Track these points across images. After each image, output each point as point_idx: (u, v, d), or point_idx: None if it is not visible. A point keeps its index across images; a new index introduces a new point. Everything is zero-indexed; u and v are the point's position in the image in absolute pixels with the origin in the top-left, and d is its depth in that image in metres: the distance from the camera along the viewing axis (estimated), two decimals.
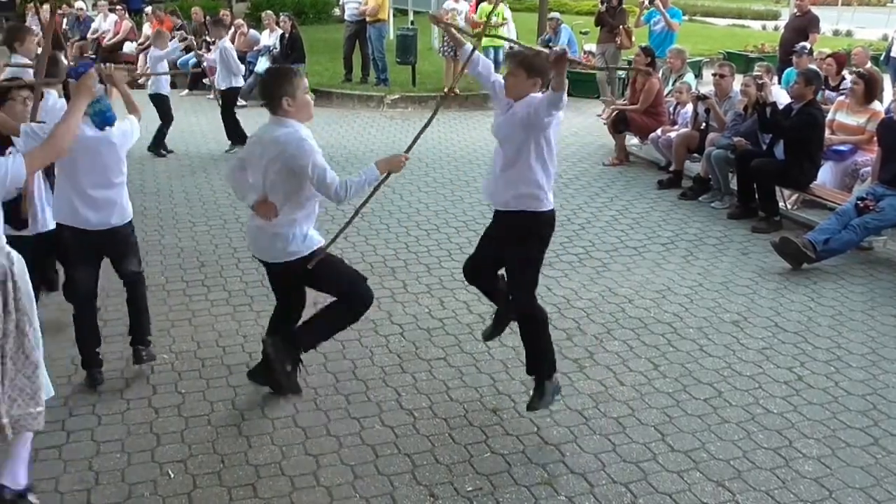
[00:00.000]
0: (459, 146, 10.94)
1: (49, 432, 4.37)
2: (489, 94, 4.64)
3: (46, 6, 19.45)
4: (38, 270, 5.12)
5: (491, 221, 4.60)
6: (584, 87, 13.62)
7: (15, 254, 3.54)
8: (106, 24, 17.87)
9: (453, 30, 4.87)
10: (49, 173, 5.21)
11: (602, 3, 13.08)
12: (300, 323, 4.65)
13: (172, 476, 4.05)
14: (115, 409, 4.62)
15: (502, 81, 4.40)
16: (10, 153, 3.78)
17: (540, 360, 4.42)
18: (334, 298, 4.52)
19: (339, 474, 4.06)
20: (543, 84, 4.22)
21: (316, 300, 4.78)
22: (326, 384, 4.88)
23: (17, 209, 4.88)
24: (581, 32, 15.26)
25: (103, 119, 4.45)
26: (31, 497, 3.75)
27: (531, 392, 4.50)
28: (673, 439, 4.35)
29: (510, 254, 4.37)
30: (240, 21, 15.86)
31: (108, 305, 5.71)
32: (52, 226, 5.05)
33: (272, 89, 4.15)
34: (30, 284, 3.61)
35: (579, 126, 11.96)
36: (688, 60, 10.97)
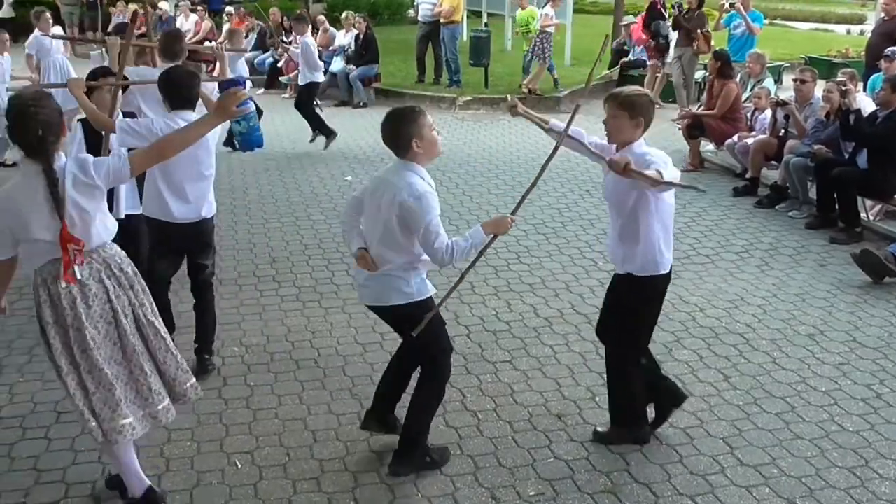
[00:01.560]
0: (530, 149, 10.89)
1: None
2: (588, 157, 4.39)
3: (132, 6, 20.06)
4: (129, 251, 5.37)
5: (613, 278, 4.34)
6: (660, 91, 13.42)
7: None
8: (187, 23, 18.32)
9: (532, 117, 4.56)
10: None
11: (676, 6, 12.87)
12: (374, 405, 4.32)
13: (240, 467, 4.13)
14: None
15: (598, 140, 4.22)
16: (111, 151, 3.82)
17: (615, 408, 4.37)
18: None
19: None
20: (646, 124, 3.98)
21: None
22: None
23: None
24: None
25: (246, 141, 4.19)
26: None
27: (597, 400, 4.43)
28: (742, 453, 4.25)
29: (623, 313, 4.21)
30: (321, 17, 16.09)
31: (182, 298, 5.84)
32: (122, 216, 5.24)
33: (399, 131, 3.82)
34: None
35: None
36: (768, 65, 10.72)
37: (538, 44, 13.34)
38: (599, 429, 4.40)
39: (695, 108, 10.61)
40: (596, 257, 6.90)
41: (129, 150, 5.14)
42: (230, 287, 6.32)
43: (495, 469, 4.12)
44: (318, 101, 11.69)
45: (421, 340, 3.95)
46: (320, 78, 11.07)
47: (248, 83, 9.28)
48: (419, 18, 14.88)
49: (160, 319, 3.72)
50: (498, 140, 11.30)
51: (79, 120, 5.37)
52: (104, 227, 3.53)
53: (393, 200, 3.75)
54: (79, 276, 3.38)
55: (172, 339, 3.79)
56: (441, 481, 4.01)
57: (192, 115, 4.61)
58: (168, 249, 4.91)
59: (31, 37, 11.06)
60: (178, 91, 4.65)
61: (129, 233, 5.41)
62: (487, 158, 10.22)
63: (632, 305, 4.17)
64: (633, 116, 3.93)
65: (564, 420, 4.55)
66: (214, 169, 4.88)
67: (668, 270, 4.11)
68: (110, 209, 5.14)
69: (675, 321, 5.76)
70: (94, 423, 3.45)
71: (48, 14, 11.33)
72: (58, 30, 11.90)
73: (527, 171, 9.75)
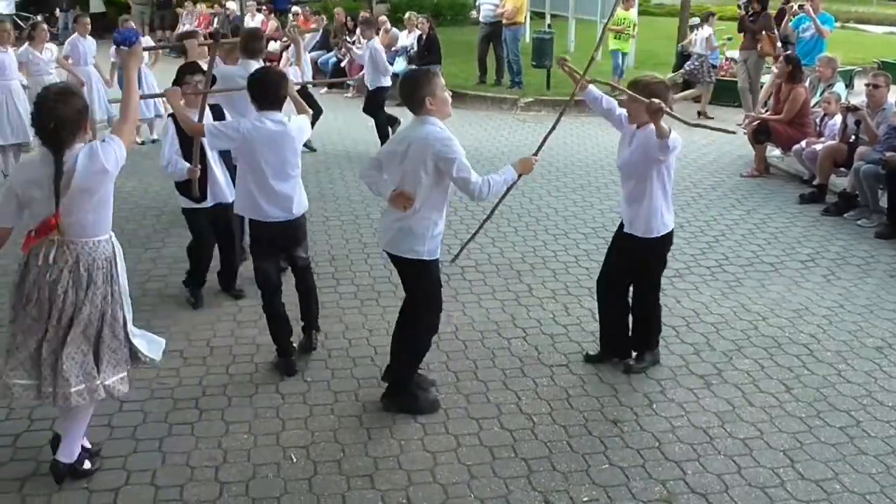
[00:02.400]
0: (591, 151, 10.81)
1: (183, 409, 4.62)
2: (609, 121, 5.10)
3: (200, 5, 20.43)
4: (222, 237, 5.72)
5: (616, 234, 5.05)
6: (724, 94, 13.21)
7: (117, 244, 3.87)
8: (253, 23, 18.61)
9: (574, 74, 5.17)
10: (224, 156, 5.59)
11: (742, 7, 12.61)
12: (389, 362, 4.74)
13: (295, 461, 4.18)
14: (245, 393, 4.81)
15: (626, 114, 4.79)
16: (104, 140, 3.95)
17: (645, 339, 5.11)
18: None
19: (455, 473, 4.08)
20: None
21: None
22: (447, 382, 4.92)
23: (188, 187, 5.50)
24: (725, 38, 14.77)
25: None
26: (86, 464, 4.03)
27: (655, 407, 4.40)
28: (803, 467, 4.15)
29: (636, 271, 4.96)
30: (384, 18, 16.20)
31: (249, 292, 5.95)
32: (230, 199, 5.51)
33: (414, 91, 4.25)
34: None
35: (717, 135, 11.56)
36: (838, 69, 10.45)
37: (697, 66, 12.81)
38: (630, 362, 5.05)
39: (762, 112, 10.39)
40: None
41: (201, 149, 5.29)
42: (290, 283, 6.39)
43: (549, 473, 4.09)
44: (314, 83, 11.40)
45: (418, 295, 4.51)
46: (387, 83, 11.14)
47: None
48: (481, 19, 14.88)
49: (117, 327, 3.83)
50: (559, 142, 11.22)
51: (169, 115, 5.55)
52: (99, 221, 3.72)
53: (422, 149, 4.20)
54: (40, 256, 3.62)
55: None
56: (495, 483, 4.00)
57: (280, 115, 4.71)
58: (265, 247, 5.00)
59: (71, 39, 11.37)
60: (266, 92, 4.73)
61: (224, 219, 5.61)
62: (548, 160, 10.15)
63: (641, 263, 4.89)
64: (691, 124, 4.67)
65: (620, 426, 4.50)
66: (300, 169, 4.95)
67: (668, 232, 4.82)
68: (203, 196, 5.46)
69: (737, 329, 5.65)
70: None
71: (87, 19, 11.68)
72: (147, 41, 12.25)
73: (588, 173, 9.68)
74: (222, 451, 4.25)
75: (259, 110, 4.76)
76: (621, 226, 4.95)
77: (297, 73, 10.50)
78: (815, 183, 8.78)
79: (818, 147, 8.78)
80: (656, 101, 4.29)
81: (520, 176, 4.50)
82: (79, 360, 3.73)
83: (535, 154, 4.68)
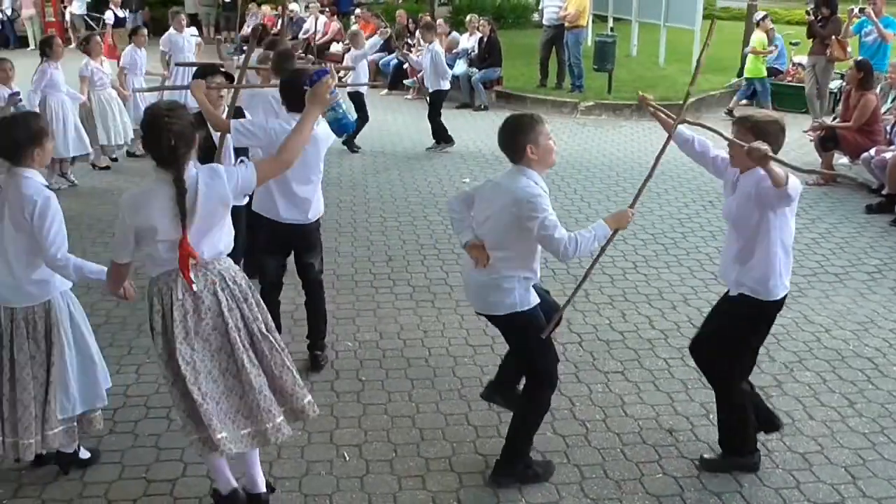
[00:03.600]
0: (652, 156, 10.63)
1: None
2: (706, 168, 4.31)
3: (265, 7, 20.76)
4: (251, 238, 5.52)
5: (722, 298, 4.26)
6: (791, 100, 12.92)
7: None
8: (316, 24, 18.84)
9: (660, 113, 4.41)
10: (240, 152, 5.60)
11: (809, 13, 12.31)
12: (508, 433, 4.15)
13: (347, 459, 4.21)
14: None
15: (724, 156, 4.07)
16: (241, 161, 3.91)
17: (725, 435, 4.20)
18: None
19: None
20: (774, 153, 3.63)
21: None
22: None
23: None
24: (791, 43, 14.45)
25: (340, 127, 4.26)
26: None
27: (711, 417, 4.32)
28: (866, 484, 4.03)
29: (731, 337, 4.05)
30: (440, 21, 16.26)
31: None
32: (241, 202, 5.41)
33: (513, 137, 3.84)
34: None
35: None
36: None
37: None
38: (707, 455, 4.23)
39: (829, 119, 10.14)
40: (716, 270, 6.67)
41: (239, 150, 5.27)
42: (346, 283, 6.47)
43: (601, 480, 4.05)
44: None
45: (527, 353, 4.01)
46: (447, 86, 11.19)
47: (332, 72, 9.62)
48: (544, 22, 14.81)
49: (276, 334, 3.66)
50: (619, 147, 11.12)
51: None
52: (227, 239, 3.54)
53: (508, 202, 3.77)
54: (195, 289, 3.38)
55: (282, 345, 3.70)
56: (546, 489, 3.98)
57: None
58: (275, 247, 5.04)
59: (165, 35, 11.64)
60: (296, 94, 4.72)
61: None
62: (608, 165, 10.07)
63: (741, 329, 4.00)
64: (787, 166, 3.59)
65: (675, 435, 4.43)
66: (321, 175, 4.97)
67: (782, 297, 3.93)
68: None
69: (799, 341, 5.52)
70: (195, 436, 3.47)
71: (182, 15, 11.92)
72: (192, 30, 12.52)
73: None
74: (276, 447, 4.30)
75: (289, 111, 4.78)
76: (726, 292, 4.15)
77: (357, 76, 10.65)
78: (884, 192, 8.52)
79: (888, 155, 8.52)
80: (760, 145, 3.47)
81: (615, 232, 3.96)
82: (288, 377, 3.58)
83: (632, 206, 4.09)
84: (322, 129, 4.72)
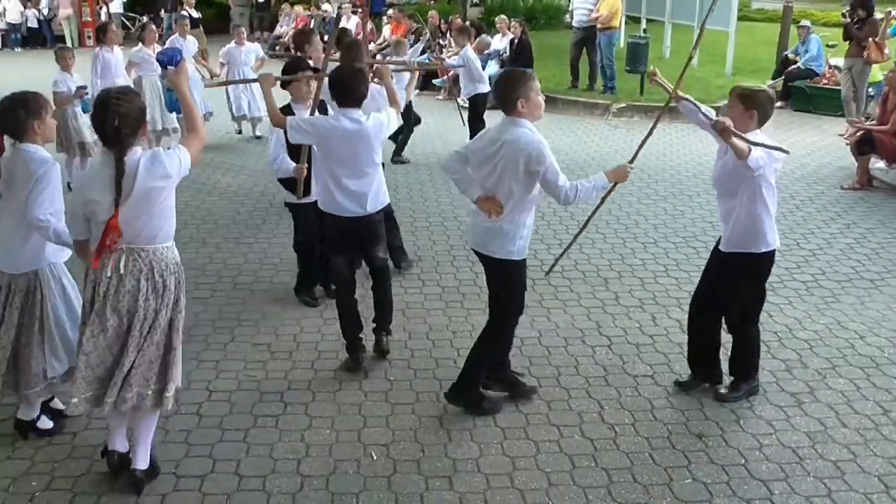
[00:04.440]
0: (684, 159, 10.59)
1: (268, 402, 4.72)
2: (700, 126, 4.71)
3: (298, 7, 20.88)
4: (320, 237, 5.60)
5: (711, 253, 4.85)
6: (826, 103, 12.77)
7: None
8: (349, 25, 18.92)
9: (666, 86, 4.93)
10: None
11: (845, 15, 12.14)
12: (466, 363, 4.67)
13: (375, 458, 4.22)
14: (329, 388, 4.89)
15: (713, 118, 4.47)
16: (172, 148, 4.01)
17: (744, 367, 4.81)
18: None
19: (534, 479, 4.05)
20: (761, 118, 4.36)
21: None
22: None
23: (294, 185, 5.59)
24: (828, 45, 14.27)
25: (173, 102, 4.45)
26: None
27: (742, 423, 4.29)
28: None
29: (732, 291, 4.67)
30: (468, 23, 16.24)
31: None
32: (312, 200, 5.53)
33: (507, 91, 4.24)
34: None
35: (818, 145, 11.21)
36: None
37: None
38: (722, 390, 4.79)
39: (866, 122, 9.99)
40: None
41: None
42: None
43: (630, 485, 4.03)
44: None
45: (501, 294, 4.48)
46: (485, 89, 11.16)
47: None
48: (574, 24, 14.77)
49: (170, 328, 3.78)
50: (650, 148, 10.96)
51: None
52: (163, 228, 3.67)
53: (513, 152, 4.17)
54: (109, 266, 3.58)
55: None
56: (573, 492, 3.96)
57: (357, 113, 4.76)
58: (342, 244, 5.08)
59: (226, 48, 11.76)
60: (345, 89, 4.80)
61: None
62: (639, 167, 9.88)
63: (743, 282, 4.60)
64: (747, 108, 4.35)
65: (705, 441, 4.39)
66: (379, 166, 5.00)
67: (773, 249, 4.52)
68: (307, 192, 5.53)
69: (832, 348, 5.45)
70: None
71: (243, 29, 12.08)
72: (257, 46, 12.60)
73: (679, 181, 9.48)
74: (305, 444, 4.33)
75: (339, 107, 4.84)
76: (717, 244, 4.73)
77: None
78: None
79: None
80: (722, 119, 4.17)
81: (614, 185, 4.44)
82: (151, 366, 3.74)
83: (631, 162, 4.56)
84: (372, 122, 4.80)
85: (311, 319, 5.81)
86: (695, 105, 4.57)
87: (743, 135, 4.14)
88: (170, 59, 4.39)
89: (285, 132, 4.97)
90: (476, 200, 4.37)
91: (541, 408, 4.69)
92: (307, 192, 5.60)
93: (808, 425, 4.53)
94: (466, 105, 10.97)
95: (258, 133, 11.57)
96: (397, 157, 10.56)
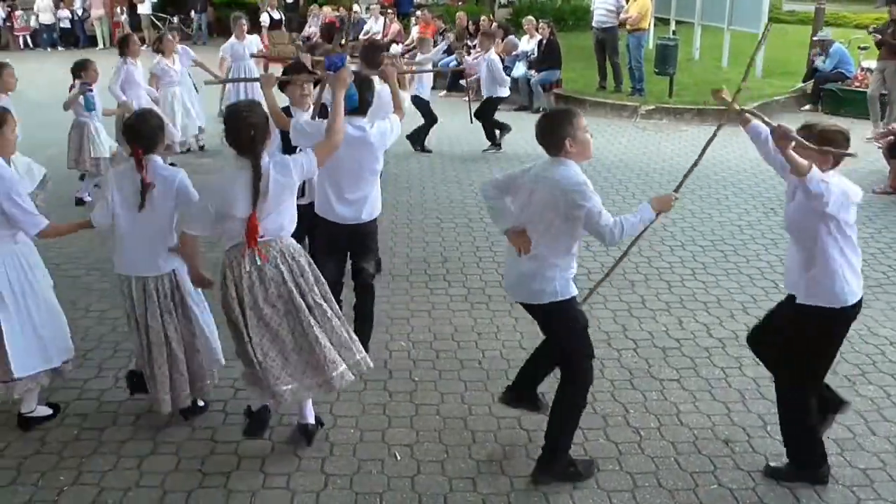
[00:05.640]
0: (713, 161, 10.49)
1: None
2: (765, 158, 4.26)
3: (326, 8, 20.96)
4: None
5: (784, 304, 4.18)
6: (858, 106, 12.60)
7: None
8: (377, 25, 18.98)
9: (735, 105, 4.34)
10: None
11: (871, 31, 12.01)
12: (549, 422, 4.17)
13: (399, 459, 4.23)
14: (353, 388, 4.87)
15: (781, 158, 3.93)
16: (300, 150, 4.24)
17: (790, 444, 4.11)
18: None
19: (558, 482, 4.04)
20: (836, 162, 3.75)
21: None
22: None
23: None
24: (860, 48, 14.08)
25: (349, 101, 4.60)
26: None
27: (769, 429, 4.23)
28: None
29: (803, 345, 3.96)
30: (495, 25, 16.24)
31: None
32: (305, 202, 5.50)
33: (554, 130, 3.91)
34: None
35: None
36: None
37: None
38: (773, 464, 4.15)
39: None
40: (777, 279, 6.55)
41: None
42: (401, 283, 6.49)
43: (654, 490, 4.00)
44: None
45: (566, 344, 4.09)
46: (505, 93, 11.19)
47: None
48: (593, 25, 14.70)
49: (332, 304, 4.14)
50: (679, 151, 10.98)
51: None
52: (290, 220, 4.07)
53: (555, 192, 3.84)
54: (258, 262, 3.91)
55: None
56: (597, 496, 3.94)
57: (362, 121, 4.77)
58: (331, 248, 5.07)
59: (228, 43, 11.85)
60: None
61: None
62: (667, 170, 9.94)
63: (813, 338, 3.93)
64: (822, 152, 3.66)
65: (732, 446, 4.35)
66: (379, 174, 4.99)
67: (855, 302, 3.89)
68: (302, 194, 5.48)
69: (862, 353, 5.38)
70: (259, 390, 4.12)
71: (243, 21, 12.11)
72: (255, 38, 12.68)
73: (708, 184, 9.41)
74: (329, 443, 4.35)
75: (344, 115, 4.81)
76: (790, 298, 4.04)
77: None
78: None
79: None
80: (783, 126, 3.56)
81: (658, 215, 4.06)
82: (336, 338, 4.08)
83: (676, 191, 4.21)
84: (375, 130, 4.79)
85: None
86: (766, 123, 4.01)
87: (805, 143, 3.59)
88: (332, 65, 4.51)
89: (284, 134, 4.98)
90: (505, 231, 4.10)
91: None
92: (301, 190, 5.58)
93: (837, 432, 4.47)
94: (475, 100, 11.25)
95: None
96: (420, 147, 10.76)
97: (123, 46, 9.47)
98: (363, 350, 4.22)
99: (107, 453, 4.24)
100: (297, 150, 5.26)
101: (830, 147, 3.68)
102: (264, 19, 17.60)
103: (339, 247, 5.07)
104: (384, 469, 4.14)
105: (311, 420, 4.34)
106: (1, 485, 3.98)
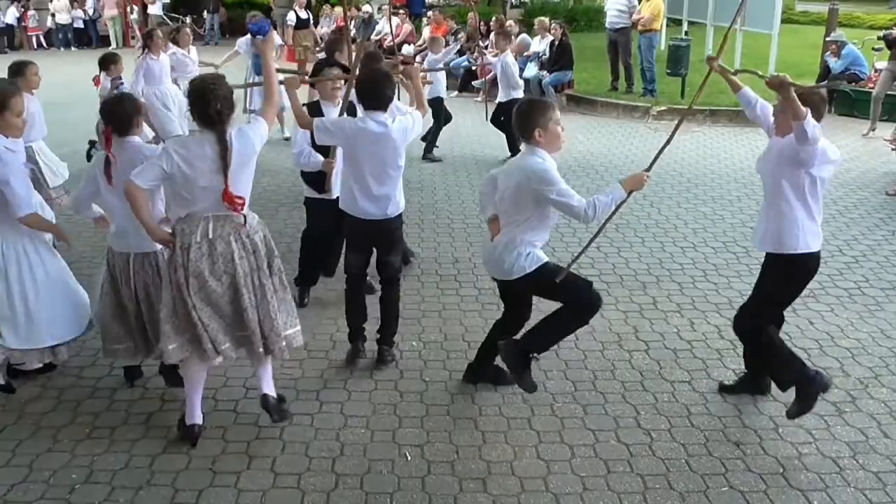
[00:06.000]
0: (725, 163, 10.47)
1: (304, 400, 4.75)
2: (751, 117, 4.72)
3: (338, 9, 21.02)
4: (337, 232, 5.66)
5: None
6: (866, 106, 12.54)
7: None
8: (388, 26, 18.98)
9: (728, 74, 4.77)
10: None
11: (881, 38, 11.97)
12: (525, 331, 4.71)
13: (409, 459, 4.23)
14: (364, 388, 4.91)
15: (768, 112, 4.50)
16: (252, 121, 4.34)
17: (779, 374, 4.54)
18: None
19: (568, 483, 4.03)
20: (818, 119, 4.04)
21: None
22: (564, 391, 4.87)
23: (321, 180, 5.63)
24: (873, 49, 14.01)
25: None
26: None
27: (780, 431, 4.21)
28: None
29: (759, 287, 4.58)
30: (510, 23, 16.22)
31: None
32: (333, 197, 5.58)
33: (526, 120, 4.32)
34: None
35: (862, 149, 11.01)
36: None
37: None
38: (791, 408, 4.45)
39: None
40: None
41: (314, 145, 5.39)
42: (413, 283, 6.50)
43: (665, 491, 3.99)
44: None
45: (560, 298, 4.47)
46: (520, 95, 11.17)
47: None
48: (606, 26, 14.68)
49: (274, 280, 4.22)
50: (691, 152, 10.95)
51: (304, 105, 5.70)
52: (248, 193, 4.17)
53: (522, 179, 4.28)
54: (198, 233, 4.00)
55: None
56: (608, 497, 3.93)
57: (384, 116, 4.77)
58: (356, 243, 5.11)
59: (244, 38, 11.89)
60: (371, 92, 4.81)
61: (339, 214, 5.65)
62: (678, 171, 9.92)
63: (775, 281, 4.45)
64: (813, 88, 4.25)
65: (742, 448, 4.33)
66: (402, 170, 5.00)
67: (816, 251, 4.34)
68: (319, 189, 5.66)
69: (874, 356, 5.35)
70: (188, 352, 4.18)
71: (259, 15, 12.17)
72: (274, 34, 12.76)
73: (720, 185, 9.38)
74: (340, 443, 4.35)
75: (364, 110, 4.85)
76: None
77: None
78: None
79: None
80: (778, 75, 4.00)
81: (629, 193, 4.37)
82: (268, 323, 4.18)
83: (647, 170, 4.50)
84: (397, 125, 4.80)
85: None
86: (759, 76, 4.47)
87: (801, 86, 4.03)
88: (259, 29, 4.71)
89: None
90: (488, 220, 4.64)
91: (576, 412, 4.67)
92: (328, 188, 5.64)
93: (849, 435, 4.45)
94: (489, 100, 11.18)
95: (287, 133, 11.62)
96: (428, 156, 10.62)
97: (148, 40, 9.65)
98: (297, 325, 4.36)
99: (119, 452, 4.26)
100: (332, 150, 5.40)
101: (807, 106, 3.95)
102: (291, 18, 17.51)
103: (364, 242, 5.10)
104: (395, 469, 4.15)
105: (271, 392, 4.42)
106: (13, 482, 4.00)
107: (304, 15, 17.49)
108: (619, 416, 4.63)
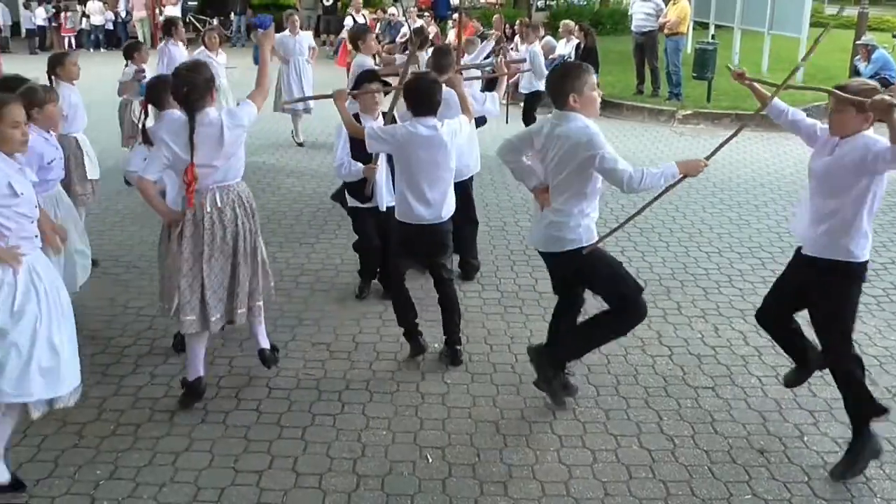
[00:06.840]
0: (752, 167, 10.39)
1: (326, 401, 4.77)
2: (797, 133, 4.44)
3: (364, 11, 21.04)
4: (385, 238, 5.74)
5: (791, 263, 4.37)
6: None
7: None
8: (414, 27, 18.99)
9: (756, 85, 4.71)
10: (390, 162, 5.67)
11: None
12: (567, 331, 4.67)
13: (430, 461, 4.22)
14: (386, 389, 4.91)
15: (820, 125, 4.23)
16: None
17: (854, 412, 4.15)
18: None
19: (589, 488, 4.01)
20: (875, 119, 3.83)
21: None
22: (587, 396, 4.84)
23: (361, 188, 5.69)
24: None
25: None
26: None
27: (805, 440, 4.16)
28: None
29: (821, 306, 4.13)
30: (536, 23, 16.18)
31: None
32: (384, 207, 5.69)
33: (559, 85, 4.23)
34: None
35: None
36: None
37: None
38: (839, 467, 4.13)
39: None
40: None
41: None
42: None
43: (688, 498, 3.95)
44: None
45: (605, 284, 4.40)
46: (541, 86, 11.14)
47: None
48: (632, 29, 14.62)
49: (262, 244, 4.73)
50: (717, 157, 10.77)
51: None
52: (239, 166, 4.54)
53: (565, 147, 4.16)
54: (207, 202, 4.38)
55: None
56: (630, 503, 3.91)
57: (433, 121, 4.81)
58: (409, 250, 5.14)
59: (279, 37, 11.96)
60: (420, 98, 4.85)
61: (386, 223, 5.63)
62: (704, 175, 9.73)
63: (841, 297, 4.06)
64: (860, 111, 3.80)
65: (767, 456, 4.29)
66: (453, 174, 5.04)
67: (867, 259, 4.06)
68: (362, 199, 5.75)
69: None
70: (191, 317, 4.50)
71: (296, 17, 12.22)
72: (309, 34, 12.81)
73: (746, 190, 9.30)
74: (361, 444, 4.36)
75: (414, 116, 4.88)
76: (799, 252, 4.23)
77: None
78: None
79: None
80: (884, 96, 3.64)
81: (683, 177, 4.27)
82: (256, 281, 4.67)
83: (707, 158, 4.39)
84: (446, 129, 4.85)
85: (371, 320, 5.85)
86: (796, 117, 4.40)
87: None
88: (261, 23, 4.93)
89: (353, 141, 5.02)
90: (532, 189, 4.49)
91: (599, 416, 4.64)
92: (369, 197, 5.67)
93: None
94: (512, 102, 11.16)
95: (301, 139, 11.64)
96: None
97: (170, 27, 9.86)
98: (270, 286, 4.85)
99: (142, 449, 4.29)
100: (375, 156, 5.51)
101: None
102: (348, 22, 17.56)
103: (419, 248, 5.12)
104: (415, 471, 4.15)
105: (266, 345, 4.90)
106: (38, 477, 4.05)
107: (360, 20, 17.54)
108: (642, 422, 4.60)
